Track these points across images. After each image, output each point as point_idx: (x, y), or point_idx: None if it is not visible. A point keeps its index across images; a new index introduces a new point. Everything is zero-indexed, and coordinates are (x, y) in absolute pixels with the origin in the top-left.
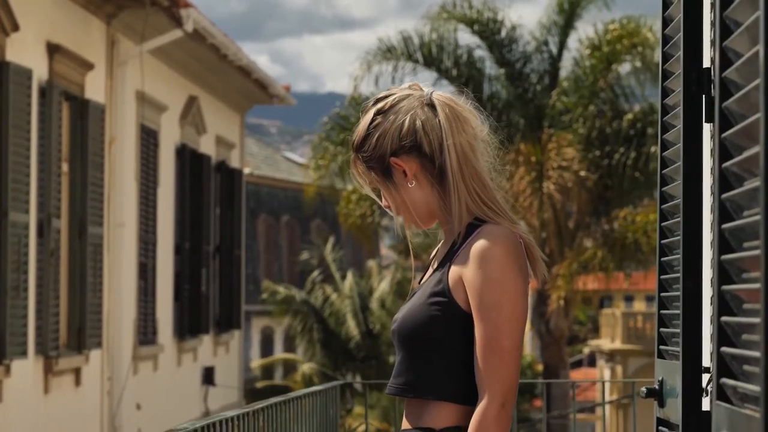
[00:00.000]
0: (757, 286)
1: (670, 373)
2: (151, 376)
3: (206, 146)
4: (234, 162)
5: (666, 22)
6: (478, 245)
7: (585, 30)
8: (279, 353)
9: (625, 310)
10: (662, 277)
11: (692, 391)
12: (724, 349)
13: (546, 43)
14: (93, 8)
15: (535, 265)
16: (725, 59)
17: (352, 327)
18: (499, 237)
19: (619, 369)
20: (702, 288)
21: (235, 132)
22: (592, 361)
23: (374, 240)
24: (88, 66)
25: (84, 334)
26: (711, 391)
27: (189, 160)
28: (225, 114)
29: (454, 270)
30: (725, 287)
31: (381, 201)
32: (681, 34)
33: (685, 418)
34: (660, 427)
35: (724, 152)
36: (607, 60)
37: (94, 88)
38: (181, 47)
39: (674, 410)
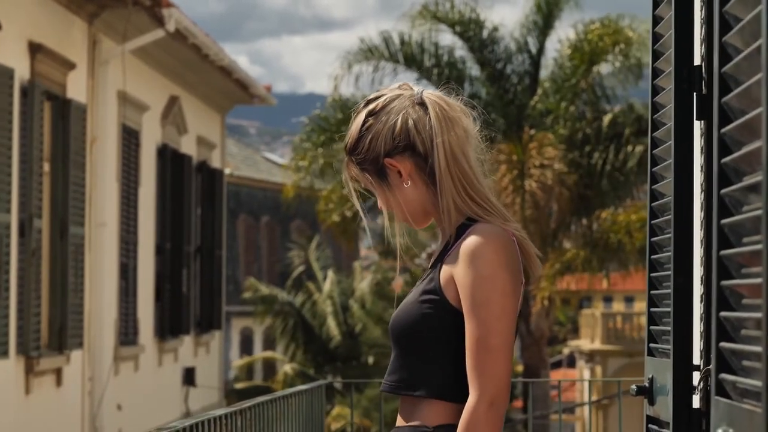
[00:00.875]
0: (759, 281)
1: (660, 370)
2: (132, 377)
3: (187, 146)
4: (215, 162)
5: (656, 20)
6: (468, 243)
7: (565, 31)
8: (259, 354)
9: (604, 311)
10: (652, 274)
11: (683, 389)
12: (723, 344)
13: (526, 43)
14: (75, 8)
15: (529, 262)
16: (724, 55)
17: (332, 327)
18: (489, 235)
19: (598, 369)
20: (693, 285)
21: (216, 132)
22: (571, 362)
23: (354, 241)
24: (70, 66)
25: (65, 334)
26: (709, 387)
27: (170, 160)
28: (206, 114)
29: (445, 269)
30: (725, 282)
31: (360, 205)
32: (672, 31)
33: (676, 415)
34: (650, 425)
35: (723, 148)
36: (588, 60)
37: (76, 88)
38: (162, 47)
39: (664, 408)
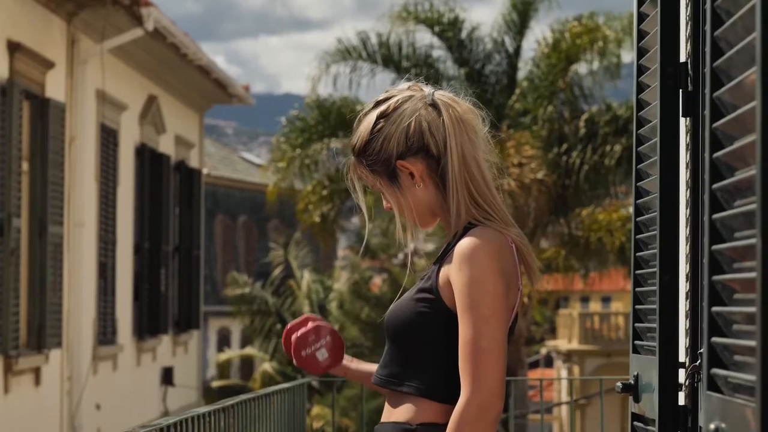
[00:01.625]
0: (752, 275)
1: (645, 368)
2: (111, 376)
3: (165, 146)
4: (193, 162)
5: (641, 17)
6: (462, 246)
7: (542, 30)
8: (236, 354)
9: (581, 311)
10: (637, 272)
11: (669, 386)
12: (715, 339)
13: (503, 43)
14: (54, 6)
15: (528, 270)
16: (716, 50)
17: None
18: (483, 238)
19: (576, 369)
20: (678, 282)
21: (194, 132)
22: (548, 362)
23: (333, 241)
24: (49, 64)
25: (44, 333)
26: (696, 384)
27: (148, 159)
28: (184, 113)
29: (443, 269)
30: (716, 277)
31: (364, 207)
32: (657, 28)
33: (662, 412)
34: (635, 423)
35: (714, 143)
36: (566, 59)
37: (55, 87)
38: (141, 46)
39: (650, 405)
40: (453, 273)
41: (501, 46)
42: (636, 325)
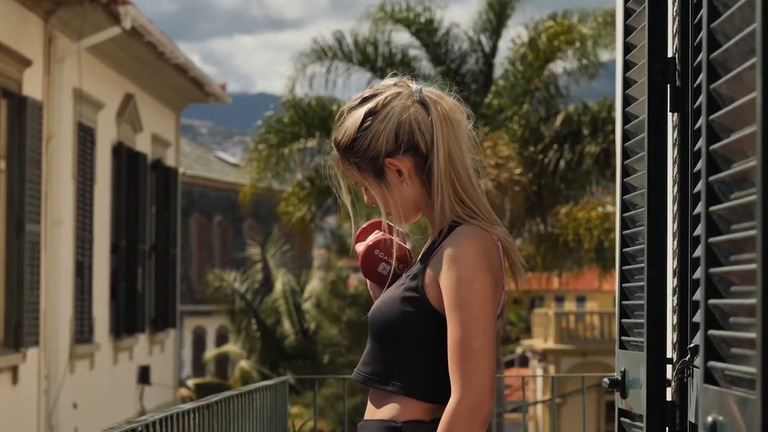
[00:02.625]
0: (752, 267)
1: (632, 363)
2: (88, 375)
3: (142, 144)
4: (169, 161)
5: (628, 13)
6: (450, 245)
7: (517, 30)
8: (212, 353)
9: (557, 310)
10: (624, 267)
11: (656, 381)
12: (712, 332)
13: (479, 42)
14: (31, 4)
15: (513, 269)
16: (713, 42)
17: (287, 326)
18: (471, 237)
19: (552, 368)
20: (666, 278)
21: (171, 130)
22: (523, 362)
23: (310, 240)
24: (26, 63)
25: (21, 332)
26: (686, 379)
27: (125, 158)
28: (161, 112)
29: (429, 269)
30: (713, 270)
31: (351, 203)
32: (645, 24)
33: (650, 408)
34: (622, 418)
35: (711, 135)
36: (543, 58)
37: (32, 85)
38: (118, 44)
39: (637, 401)
40: (441, 273)
41: (477, 45)
42: (623, 321)
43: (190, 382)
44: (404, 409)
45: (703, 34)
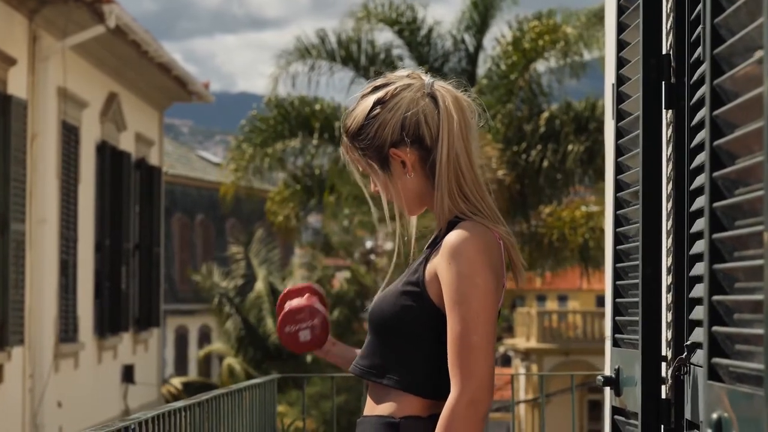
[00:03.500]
0: (759, 263)
1: (627, 361)
2: (72, 374)
3: (126, 143)
4: (153, 159)
5: (621, 10)
6: (450, 241)
7: (500, 29)
8: (194, 352)
9: (539, 309)
10: (618, 265)
11: (651, 379)
12: (716, 328)
13: (463, 41)
14: (15, 3)
15: (513, 268)
16: (717, 37)
17: (270, 325)
18: (472, 233)
19: (534, 367)
20: (661, 275)
21: (154, 129)
22: (506, 361)
23: (294, 239)
24: (11, 61)
25: (6, 330)
26: (682, 376)
27: (109, 157)
28: (144, 111)
29: (430, 264)
30: (717, 266)
31: (366, 190)
32: (640, 20)
33: (644, 405)
34: (615, 416)
35: (715, 131)
36: (527, 58)
37: (17, 84)
38: (102, 43)
39: (632, 398)
40: (441, 267)
41: (461, 44)
42: (617, 318)
43: (176, 381)
44: (402, 404)
45: (707, 29)
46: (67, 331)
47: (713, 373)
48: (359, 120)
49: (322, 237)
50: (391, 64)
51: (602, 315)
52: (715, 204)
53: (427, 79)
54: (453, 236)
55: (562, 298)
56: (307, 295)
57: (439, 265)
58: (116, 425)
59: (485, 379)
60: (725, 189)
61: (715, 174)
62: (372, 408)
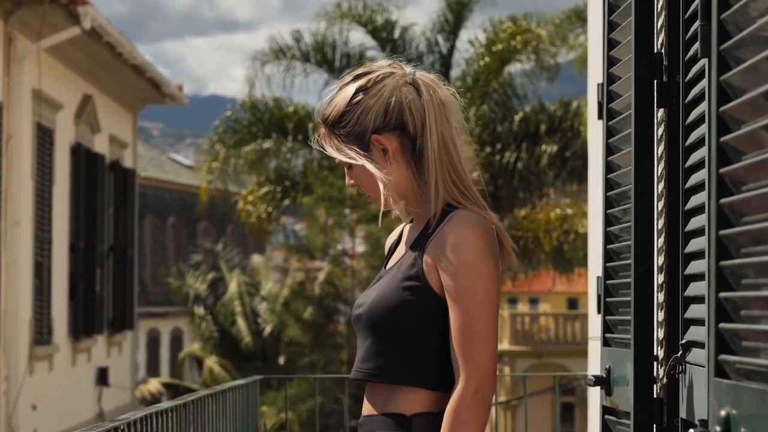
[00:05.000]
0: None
1: (618, 360)
2: (47, 376)
3: (100, 145)
4: (127, 162)
5: (612, 9)
6: (450, 230)
7: (474, 31)
8: (166, 355)
9: (511, 312)
10: (608, 264)
11: (644, 378)
12: (723, 325)
13: (437, 43)
14: None
15: (505, 254)
16: (723, 33)
17: (243, 328)
18: (472, 222)
19: (507, 370)
20: (654, 274)
21: (128, 131)
22: None
23: (267, 240)
24: None
25: None
26: (677, 375)
27: (83, 159)
28: (118, 113)
29: (428, 255)
30: (724, 263)
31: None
32: (632, 18)
33: (637, 405)
34: (606, 416)
35: (722, 127)
36: (500, 60)
37: None
38: (76, 45)
39: (623, 398)
40: (443, 258)
41: (435, 46)
42: (607, 317)
43: (155, 382)
44: (411, 401)
45: (713, 25)
46: (42, 333)
47: (720, 370)
48: (340, 107)
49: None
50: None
51: (574, 317)
52: (722, 200)
53: (408, 68)
54: (452, 226)
55: (533, 301)
56: None
57: (439, 255)
58: (106, 426)
59: (489, 367)
60: (732, 185)
61: (722, 170)
62: (377, 407)
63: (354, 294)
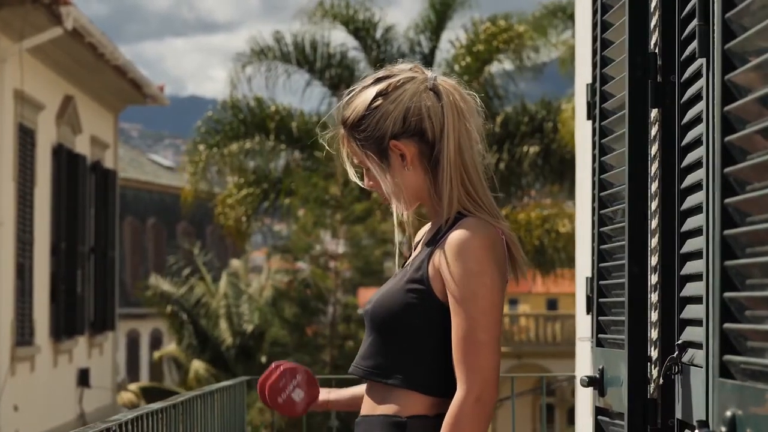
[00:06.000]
0: None
1: (611, 361)
2: (29, 378)
3: (81, 146)
4: (108, 163)
5: (605, 9)
6: (456, 237)
7: (456, 32)
8: (145, 356)
9: None
10: (601, 265)
11: (638, 379)
12: (727, 325)
13: (419, 43)
14: None
15: (515, 264)
16: (728, 32)
17: (224, 329)
18: (477, 229)
19: None
20: (648, 274)
21: (109, 132)
22: None
23: (246, 242)
24: None
25: None
26: (674, 375)
27: (65, 160)
28: (99, 114)
29: (434, 260)
30: (729, 263)
31: (363, 180)
32: (626, 18)
33: (631, 405)
34: (599, 417)
35: (726, 126)
36: (482, 60)
37: None
38: (58, 45)
39: (617, 398)
40: (446, 264)
41: (417, 46)
42: (600, 318)
43: (133, 387)
44: (408, 403)
45: (717, 25)
46: (24, 334)
47: (725, 371)
48: (360, 110)
49: (278, 239)
50: (347, 68)
51: (555, 318)
52: (727, 200)
53: (429, 73)
54: (457, 233)
55: (513, 302)
56: (278, 369)
57: (443, 262)
58: (98, 427)
59: (492, 375)
60: (737, 184)
61: (727, 170)
62: (374, 407)
63: (337, 295)
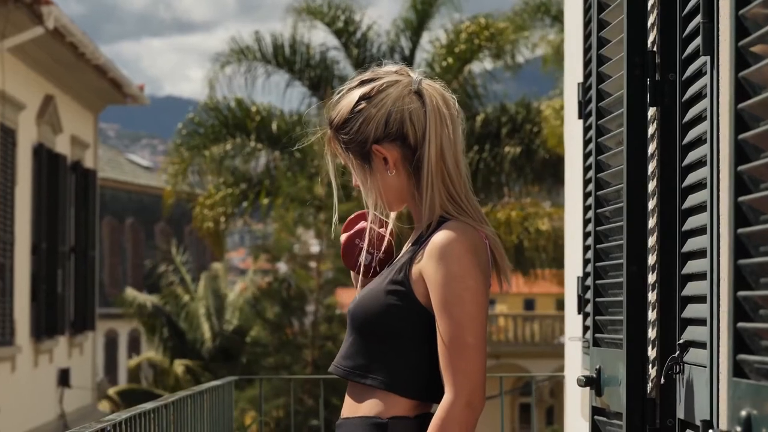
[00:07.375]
0: None
1: (609, 361)
2: (9, 378)
3: (62, 146)
4: (88, 162)
5: (601, 7)
6: (438, 241)
7: (436, 32)
8: (123, 356)
9: None
10: (598, 264)
11: (637, 379)
12: (741, 324)
13: (399, 44)
14: None
15: (499, 268)
16: (741, 29)
17: (206, 330)
18: (459, 233)
19: None
20: (647, 273)
21: (89, 132)
22: None
23: (223, 244)
24: None
25: None
26: (675, 375)
27: (45, 159)
28: (79, 114)
29: (416, 263)
30: (742, 261)
31: (336, 183)
32: (624, 16)
33: (630, 405)
34: (596, 416)
35: (740, 124)
36: (462, 59)
37: None
38: (39, 45)
39: (614, 398)
40: (429, 268)
41: (398, 46)
42: (597, 318)
43: (112, 392)
44: (388, 405)
45: (730, 22)
46: (4, 334)
47: (738, 370)
48: (344, 113)
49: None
50: (327, 68)
51: (533, 318)
52: (740, 198)
53: (415, 76)
54: (440, 237)
55: (490, 302)
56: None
57: (426, 265)
58: (94, 427)
59: (479, 379)
60: (751, 183)
61: (741, 168)
62: (355, 409)
63: (319, 295)
